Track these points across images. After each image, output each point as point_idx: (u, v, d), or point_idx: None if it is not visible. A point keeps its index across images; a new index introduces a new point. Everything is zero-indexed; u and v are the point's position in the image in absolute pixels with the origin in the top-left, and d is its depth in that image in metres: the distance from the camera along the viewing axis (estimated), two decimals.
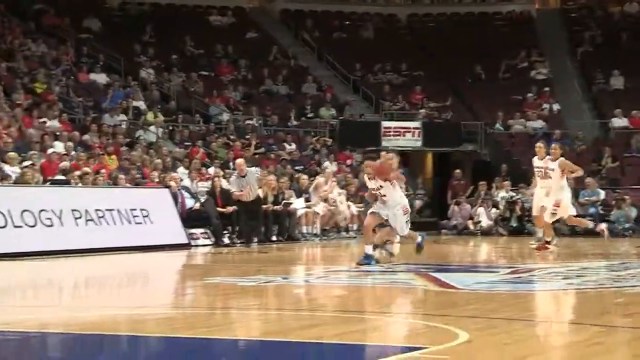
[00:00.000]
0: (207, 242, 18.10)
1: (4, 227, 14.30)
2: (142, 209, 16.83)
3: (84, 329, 7.03)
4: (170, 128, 24.46)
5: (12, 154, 17.20)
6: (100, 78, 25.60)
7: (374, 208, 12.58)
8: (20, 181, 15.96)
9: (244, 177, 17.84)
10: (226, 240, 18.07)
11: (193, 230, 17.95)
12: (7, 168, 16.47)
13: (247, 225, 18.20)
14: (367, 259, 12.38)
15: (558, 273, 12.22)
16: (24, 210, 14.68)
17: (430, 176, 29.22)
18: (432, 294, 9.74)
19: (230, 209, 17.97)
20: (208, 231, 18.22)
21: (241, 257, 15.97)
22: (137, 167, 19.42)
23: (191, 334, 6.54)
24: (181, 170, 20.07)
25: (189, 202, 18.54)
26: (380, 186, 12.27)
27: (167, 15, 31.66)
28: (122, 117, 23.16)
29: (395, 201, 12.42)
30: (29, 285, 11.51)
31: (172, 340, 6.35)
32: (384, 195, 12.23)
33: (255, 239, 18.45)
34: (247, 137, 24.47)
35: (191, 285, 11.39)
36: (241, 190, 17.81)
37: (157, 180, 18.79)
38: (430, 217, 25.22)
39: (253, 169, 19.28)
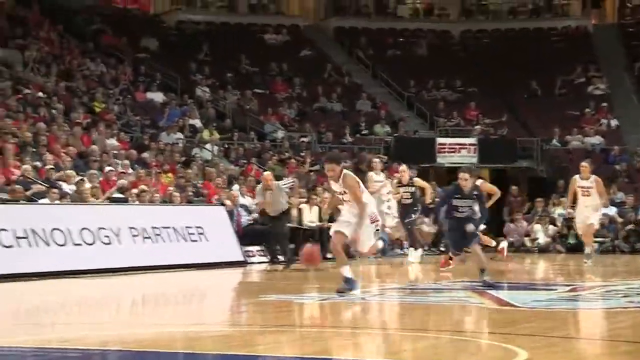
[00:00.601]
0: (263, 259, 18.09)
1: (63, 245, 14.46)
2: (197, 227, 16.89)
3: (142, 346, 7.03)
4: (226, 146, 24.60)
5: (70, 172, 17.43)
6: (157, 97, 25.91)
7: (336, 226, 10.81)
8: (79, 199, 16.13)
9: (270, 190, 16.87)
10: (281, 258, 18.03)
11: (249, 248, 17.99)
12: (66, 186, 16.67)
13: (274, 241, 17.60)
14: (349, 284, 10.53)
15: (618, 291, 11.97)
16: (83, 228, 14.83)
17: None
18: (490, 311, 9.59)
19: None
20: (264, 248, 18.24)
21: (297, 275, 15.91)
22: (192, 184, 19.59)
23: (247, 352, 6.49)
24: (236, 187, 20.13)
25: (245, 220, 18.61)
26: (344, 191, 10.58)
27: (222, 33, 32.03)
28: (179, 135, 23.37)
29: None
30: (88, 302, 11.59)
31: (229, 358, 6.31)
32: (349, 201, 10.59)
33: (281, 257, 17.37)
34: (302, 154, 24.49)
35: (246, 303, 11.37)
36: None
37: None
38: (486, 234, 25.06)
39: (282, 182, 18.99)
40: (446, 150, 26.96)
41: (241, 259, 17.38)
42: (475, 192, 12.24)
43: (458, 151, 26.98)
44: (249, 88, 28.79)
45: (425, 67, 32.31)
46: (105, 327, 8.03)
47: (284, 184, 18.63)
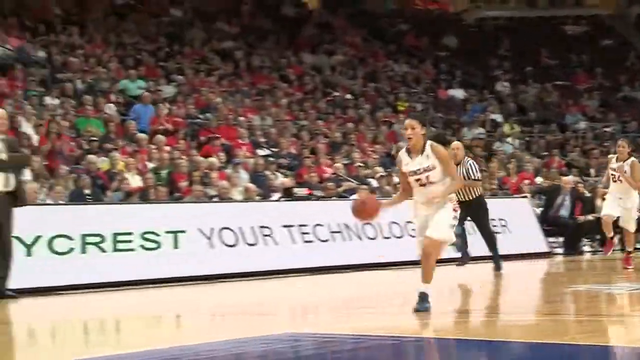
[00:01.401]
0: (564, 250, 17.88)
1: (373, 238, 15.05)
2: (500, 219, 16.92)
3: (455, 334, 7.21)
4: (527, 139, 24.46)
5: (378, 168, 18.28)
6: (458, 93, 26.39)
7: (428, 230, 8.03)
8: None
9: None
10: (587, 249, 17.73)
11: (551, 239, 17.89)
12: (374, 182, 17.45)
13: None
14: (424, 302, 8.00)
15: None
16: (392, 222, 15.31)
17: None
18: None
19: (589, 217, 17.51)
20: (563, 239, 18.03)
21: (603, 265, 15.54)
22: (497, 178, 19.71)
23: (562, 341, 6.46)
24: (539, 180, 20.05)
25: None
26: (425, 168, 7.91)
27: (522, 28, 31.95)
28: (480, 130, 23.58)
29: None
30: (396, 292, 11.91)
31: (541, 347, 6.31)
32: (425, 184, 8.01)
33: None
34: (606, 144, 23.75)
35: (557, 293, 11.25)
36: None
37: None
38: None
39: None
40: None
41: (546, 250, 17.26)
42: None
43: None
44: (549, 81, 28.58)
45: None
46: (417, 316, 8.28)
47: None
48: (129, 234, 12.57)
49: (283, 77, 23.36)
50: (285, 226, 14.28)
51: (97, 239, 12.24)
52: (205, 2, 26.47)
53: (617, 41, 31.85)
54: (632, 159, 12.71)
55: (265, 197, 15.70)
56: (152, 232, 12.78)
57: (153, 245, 12.71)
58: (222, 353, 6.44)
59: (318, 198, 16.20)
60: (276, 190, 16.10)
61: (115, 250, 12.40)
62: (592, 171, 21.44)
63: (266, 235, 13.97)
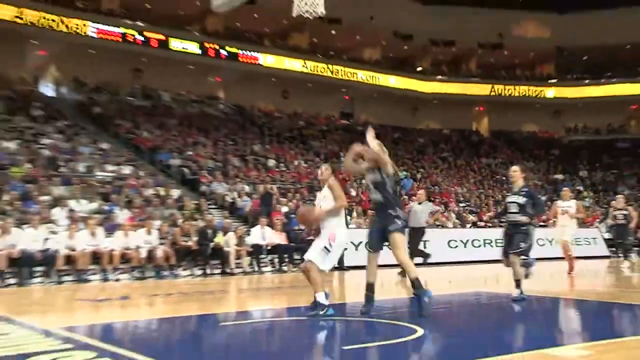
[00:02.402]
0: None
1: None
2: None
3: None
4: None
5: None
6: (559, 177, 49.90)
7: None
8: None
9: None
10: None
11: None
12: None
13: None
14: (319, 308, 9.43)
15: None
16: None
17: None
18: None
19: None
20: None
21: None
22: None
23: None
24: None
25: None
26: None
27: (595, 146, 53.79)
28: None
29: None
30: None
31: None
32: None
33: None
34: None
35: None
36: None
37: None
38: None
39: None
40: None
41: (607, 254, 25.12)
42: None
43: None
44: (609, 170, 50.07)
45: None
46: None
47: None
48: None
49: (472, 169, 47.79)
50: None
51: None
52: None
53: None
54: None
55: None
56: None
57: None
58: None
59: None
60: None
61: None
62: None
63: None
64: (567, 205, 17.12)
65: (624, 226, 20.32)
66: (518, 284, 11.08)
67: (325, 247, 9.41)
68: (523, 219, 11.16)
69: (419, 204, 18.22)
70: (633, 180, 49.48)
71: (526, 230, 11.17)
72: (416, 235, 17.41)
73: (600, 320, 9.79)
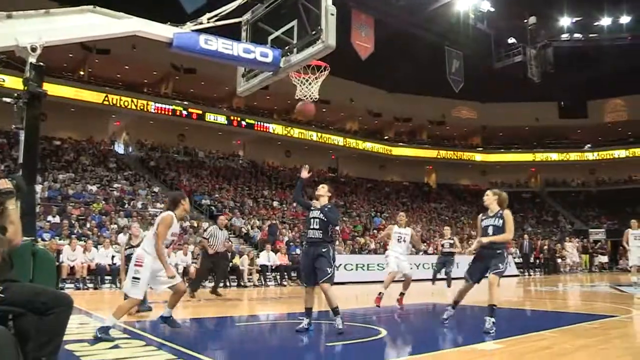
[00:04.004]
0: None
1: None
2: None
3: None
4: None
5: None
6: None
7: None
8: None
9: None
10: None
11: None
12: None
13: None
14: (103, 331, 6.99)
15: None
16: None
17: None
18: None
19: None
20: None
21: None
22: None
23: None
24: None
25: None
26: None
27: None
28: None
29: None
30: None
31: None
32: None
33: None
34: None
35: None
36: None
37: None
38: None
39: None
40: None
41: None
42: None
43: None
44: None
45: None
46: None
47: None
48: None
49: (424, 211, 47.81)
50: None
51: None
52: None
53: None
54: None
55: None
56: None
57: None
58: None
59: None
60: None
61: None
62: None
63: None
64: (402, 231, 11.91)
65: (451, 254, 16.56)
66: (492, 308, 8.11)
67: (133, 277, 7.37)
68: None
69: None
70: (533, 221, 49.77)
71: (502, 253, 8.24)
72: None
73: (510, 322, 9.60)
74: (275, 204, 33.48)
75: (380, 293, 11.33)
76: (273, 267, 20.71)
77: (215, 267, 14.81)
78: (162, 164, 34.99)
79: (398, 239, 11.63)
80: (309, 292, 8.23)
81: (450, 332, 8.36)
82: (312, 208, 8.25)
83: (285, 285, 20.09)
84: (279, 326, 9.48)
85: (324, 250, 8.03)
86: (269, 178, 40.09)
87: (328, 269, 7.93)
